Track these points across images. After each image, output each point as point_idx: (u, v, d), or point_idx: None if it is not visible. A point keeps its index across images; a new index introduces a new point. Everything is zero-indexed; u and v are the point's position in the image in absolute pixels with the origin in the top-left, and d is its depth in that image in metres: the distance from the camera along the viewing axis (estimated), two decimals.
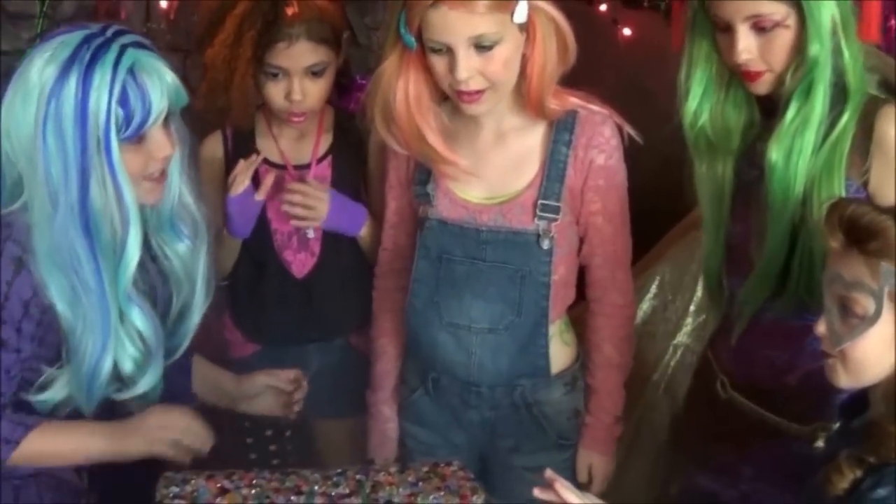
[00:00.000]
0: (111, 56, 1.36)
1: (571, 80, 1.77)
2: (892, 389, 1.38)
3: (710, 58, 1.68)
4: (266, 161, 1.98)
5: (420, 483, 1.53)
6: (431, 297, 1.80)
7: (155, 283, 1.57)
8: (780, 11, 1.57)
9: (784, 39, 1.60)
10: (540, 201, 1.74)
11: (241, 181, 1.91)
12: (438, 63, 1.64)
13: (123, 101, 1.37)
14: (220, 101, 1.90)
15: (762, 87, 1.65)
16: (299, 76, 1.88)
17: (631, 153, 1.81)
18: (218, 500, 1.48)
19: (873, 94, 1.63)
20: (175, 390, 1.66)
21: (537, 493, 1.37)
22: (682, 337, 2.56)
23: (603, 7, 3.13)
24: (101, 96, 1.36)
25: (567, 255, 1.80)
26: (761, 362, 1.74)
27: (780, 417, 1.71)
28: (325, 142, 2.03)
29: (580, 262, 1.85)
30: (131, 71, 1.37)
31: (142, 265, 1.51)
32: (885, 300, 1.34)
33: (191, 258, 1.57)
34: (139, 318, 1.49)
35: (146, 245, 1.52)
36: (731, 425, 1.79)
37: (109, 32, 1.40)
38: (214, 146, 2.02)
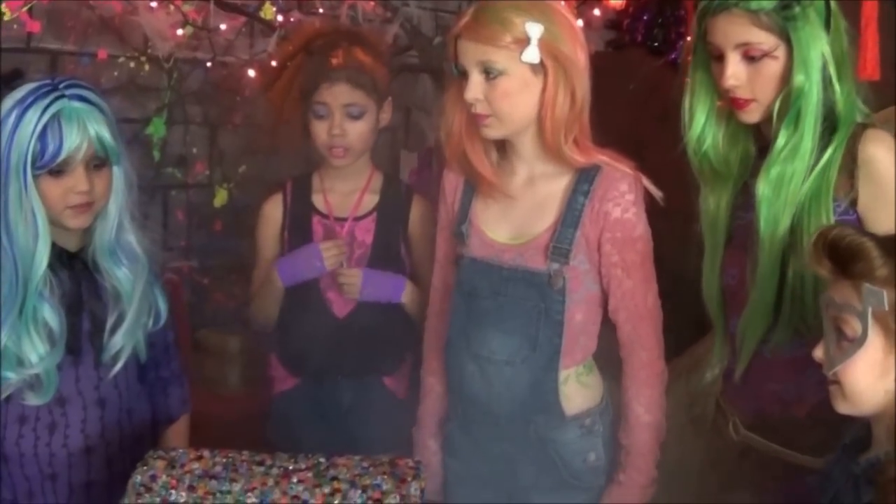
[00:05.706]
0: (44, 102, 1.70)
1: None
2: (894, 426, 1.35)
3: (710, 88, 1.73)
4: (316, 211, 2.23)
5: (370, 468, 1.60)
6: (462, 329, 1.90)
7: (102, 295, 1.85)
8: (769, 42, 1.63)
9: (772, 70, 1.64)
10: (552, 244, 1.82)
11: (336, 257, 2.15)
12: (465, 87, 1.81)
13: (42, 137, 1.70)
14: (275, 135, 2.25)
15: (750, 115, 1.69)
16: (340, 114, 2.14)
17: None
18: (193, 463, 1.62)
19: (859, 121, 1.66)
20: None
21: None
22: None
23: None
24: (26, 131, 1.69)
25: (584, 301, 1.85)
26: (768, 397, 1.72)
27: (794, 451, 1.68)
28: (371, 201, 2.24)
29: (610, 318, 1.88)
30: (56, 116, 1.70)
31: (83, 277, 1.82)
32: (871, 321, 1.33)
33: (127, 282, 1.84)
34: (49, 312, 1.76)
35: (94, 264, 1.83)
36: (746, 470, 1.76)
37: (60, 84, 1.73)
38: (275, 206, 2.28)
